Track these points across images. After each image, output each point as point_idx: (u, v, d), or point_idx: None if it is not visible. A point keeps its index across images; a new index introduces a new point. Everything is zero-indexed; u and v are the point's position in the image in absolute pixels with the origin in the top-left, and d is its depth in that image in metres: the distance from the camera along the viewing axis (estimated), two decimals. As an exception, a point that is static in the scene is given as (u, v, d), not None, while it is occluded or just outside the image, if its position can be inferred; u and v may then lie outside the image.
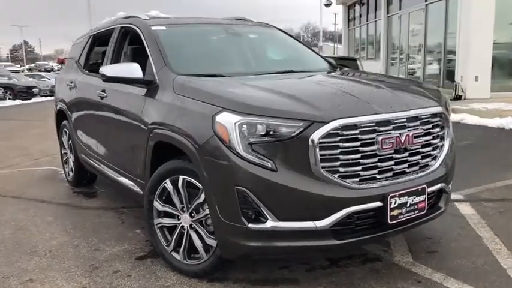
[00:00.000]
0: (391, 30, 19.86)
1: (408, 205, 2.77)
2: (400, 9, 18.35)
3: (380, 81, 3.46)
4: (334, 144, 2.58)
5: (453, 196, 4.49)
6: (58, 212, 4.62)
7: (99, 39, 5.07)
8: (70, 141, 5.38)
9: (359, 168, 2.65)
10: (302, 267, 3.17)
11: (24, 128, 11.55)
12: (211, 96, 2.84)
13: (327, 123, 2.55)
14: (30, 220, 4.37)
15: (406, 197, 2.76)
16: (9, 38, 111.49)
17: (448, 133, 3.15)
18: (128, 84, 3.58)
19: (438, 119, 3.02)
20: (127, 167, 3.84)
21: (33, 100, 22.42)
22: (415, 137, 2.83)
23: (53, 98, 7.07)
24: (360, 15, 24.74)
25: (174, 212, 3.09)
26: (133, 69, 3.46)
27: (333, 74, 3.88)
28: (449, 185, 3.19)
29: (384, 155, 2.72)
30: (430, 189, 2.90)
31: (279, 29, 4.68)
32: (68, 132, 5.44)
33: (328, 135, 2.56)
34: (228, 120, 2.60)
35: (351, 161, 2.63)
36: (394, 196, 2.70)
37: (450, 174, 3.19)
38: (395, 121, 2.76)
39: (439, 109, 3.03)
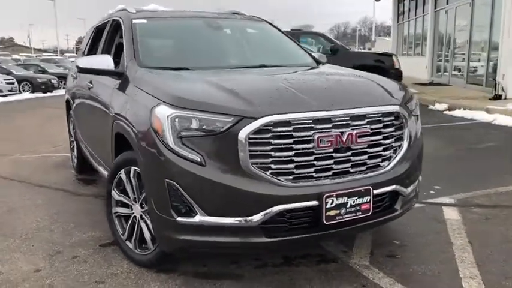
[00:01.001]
0: (438, 25, 19.08)
1: (348, 206, 2.68)
2: (447, 4, 17.58)
3: (340, 78, 3.36)
4: (265, 140, 2.54)
5: (444, 200, 4.34)
6: (51, 197, 4.83)
7: (100, 31, 5.22)
8: (74, 130, 5.60)
9: (292, 166, 2.59)
10: (253, 264, 3.15)
11: (62, 115, 12.07)
12: (155, 89, 2.88)
13: (256, 119, 2.51)
14: (22, 203, 4.60)
15: (346, 198, 2.67)
16: (74, 30, 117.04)
17: (409, 133, 3.01)
18: (99, 75, 3.68)
19: (391, 118, 2.90)
20: (103, 157, 3.95)
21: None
22: (360, 136, 2.73)
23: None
24: (409, 10, 23.93)
25: (128, 202, 3.16)
26: (105, 61, 3.55)
27: (304, 69, 3.79)
28: (409, 188, 3.05)
29: (321, 154, 2.64)
30: (377, 191, 2.79)
31: (269, 23, 4.63)
32: (72, 120, 5.66)
33: (259, 131, 2.52)
34: (162, 113, 2.62)
35: (283, 159, 2.58)
36: (331, 196, 2.62)
37: (410, 176, 3.05)
38: (336, 119, 2.67)
39: (393, 108, 2.90)
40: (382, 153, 2.87)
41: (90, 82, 4.30)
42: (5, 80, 20.51)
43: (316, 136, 2.60)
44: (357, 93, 2.93)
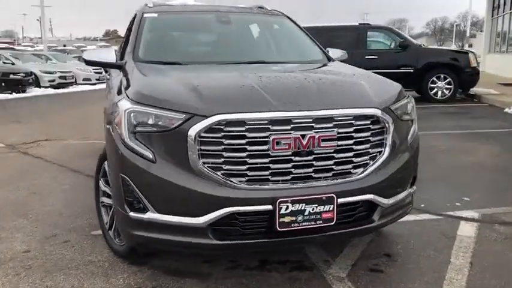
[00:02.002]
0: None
1: (307, 214, 2.52)
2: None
3: (325, 77, 3.15)
4: (217, 140, 2.46)
5: (467, 213, 3.97)
6: (79, 183, 5.08)
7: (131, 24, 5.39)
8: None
9: (245, 167, 2.48)
10: (226, 265, 3.09)
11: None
12: (127, 84, 2.91)
13: (207, 117, 2.44)
14: (49, 187, 4.90)
15: (304, 205, 2.51)
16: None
17: (393, 140, 2.76)
18: (103, 67, 3.79)
19: (366, 122, 2.67)
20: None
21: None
22: (324, 140, 2.55)
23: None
24: (504, 3, 22.05)
25: (110, 192, 3.23)
26: (108, 54, 3.65)
27: (301, 66, 3.62)
28: (392, 198, 2.80)
29: (278, 157, 2.51)
30: (344, 200, 2.59)
31: (289, 18, 4.47)
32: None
33: (211, 130, 2.44)
34: (122, 108, 2.64)
35: (236, 160, 2.48)
36: (285, 201, 2.48)
37: (392, 186, 2.80)
38: (297, 121, 2.51)
39: (368, 111, 2.67)
40: (354, 159, 2.65)
41: (109, 74, 4.46)
42: (94, 69, 21.98)
43: (271, 138, 2.47)
44: (330, 94, 2.74)
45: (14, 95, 16.25)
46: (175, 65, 3.41)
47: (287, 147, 2.49)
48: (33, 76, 17.98)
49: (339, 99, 2.69)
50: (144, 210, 2.58)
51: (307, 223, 2.53)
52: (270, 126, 2.48)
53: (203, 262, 3.12)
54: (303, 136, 2.51)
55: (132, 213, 2.60)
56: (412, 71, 11.94)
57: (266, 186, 2.51)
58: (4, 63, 19.70)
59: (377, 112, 2.68)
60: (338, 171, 2.63)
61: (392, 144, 2.78)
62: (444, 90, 12.04)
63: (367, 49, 12.17)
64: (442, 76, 11.96)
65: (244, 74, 2.99)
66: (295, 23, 4.41)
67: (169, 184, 2.49)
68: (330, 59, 3.97)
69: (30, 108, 12.94)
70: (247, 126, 2.46)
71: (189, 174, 2.48)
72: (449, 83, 11.98)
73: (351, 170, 2.66)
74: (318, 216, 2.54)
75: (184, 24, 4.11)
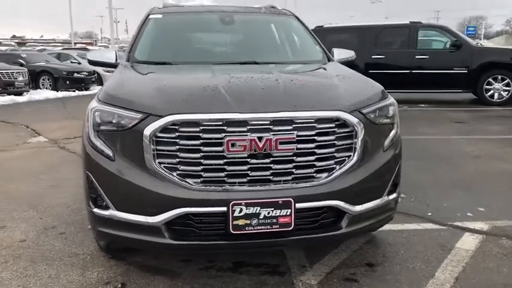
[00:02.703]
0: None
1: (262, 217, 2.47)
2: None
3: (296, 78, 3.06)
4: (171, 140, 2.47)
5: (476, 225, 3.73)
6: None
7: None
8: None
9: (200, 168, 2.48)
10: (201, 265, 3.09)
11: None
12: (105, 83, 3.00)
13: (162, 117, 2.46)
14: (69, 180, 5.14)
15: (259, 208, 2.46)
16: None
17: (365, 144, 2.64)
18: (104, 67, 3.93)
19: (331, 125, 2.56)
20: None
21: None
22: (282, 143, 2.48)
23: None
24: None
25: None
26: (109, 55, 3.80)
27: (288, 67, 3.58)
28: (362, 205, 2.67)
29: (234, 159, 2.47)
30: (303, 205, 2.51)
31: (297, 18, 4.39)
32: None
33: (166, 130, 2.46)
34: (89, 106, 2.73)
35: (191, 160, 2.48)
36: (239, 204, 2.44)
37: (363, 192, 2.68)
38: (253, 122, 2.46)
39: (333, 114, 2.56)
40: (316, 163, 2.56)
41: None
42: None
43: (226, 139, 2.44)
44: (295, 97, 2.66)
45: (77, 93, 17.19)
46: (166, 65, 3.47)
47: (242, 149, 2.45)
48: (96, 75, 18.92)
49: (303, 102, 2.61)
50: (106, 207, 2.64)
51: (263, 227, 2.48)
52: (225, 127, 2.45)
53: (180, 261, 3.15)
54: (260, 138, 2.46)
55: (95, 210, 2.68)
56: (466, 71, 11.32)
57: (220, 188, 2.49)
58: (72, 62, 20.98)
59: (342, 115, 2.57)
60: (299, 175, 2.55)
61: (363, 149, 2.65)
62: (502, 92, 11.31)
63: (417, 49, 11.68)
64: (499, 77, 11.24)
65: (218, 75, 2.97)
66: (302, 23, 4.32)
67: (127, 183, 2.53)
68: (329, 60, 3.85)
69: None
70: (201, 127, 2.45)
71: (145, 174, 2.51)
72: (507, 85, 11.23)
73: (314, 175, 2.57)
74: (274, 221, 2.48)
75: (186, 24, 4.16)
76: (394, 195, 2.91)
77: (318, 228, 2.63)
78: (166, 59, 3.59)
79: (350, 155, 2.63)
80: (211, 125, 2.45)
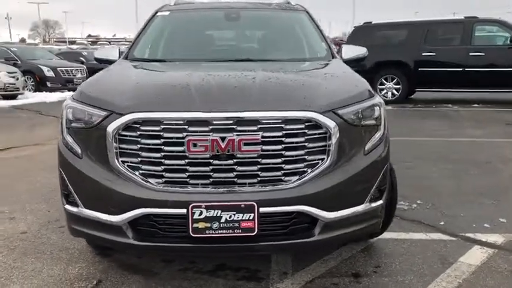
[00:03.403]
0: None
1: (223, 221, 2.36)
2: None
3: (274, 77, 2.88)
4: (134, 139, 2.42)
5: (489, 237, 3.44)
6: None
7: None
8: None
9: (161, 168, 2.41)
10: (180, 266, 3.03)
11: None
12: None
13: (123, 115, 2.41)
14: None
15: (220, 211, 2.36)
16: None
17: (339, 147, 2.46)
18: (108, 64, 3.97)
19: (300, 126, 2.40)
20: None
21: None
22: (247, 144, 2.36)
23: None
24: None
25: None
26: (112, 52, 3.83)
27: (281, 64, 3.37)
28: (337, 212, 2.49)
29: (196, 159, 2.39)
30: (267, 209, 2.38)
31: (308, 14, 4.21)
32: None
33: (128, 128, 2.42)
34: (64, 104, 2.75)
35: (152, 160, 2.42)
36: (199, 206, 2.35)
37: (337, 198, 2.50)
38: (216, 122, 2.36)
39: (302, 114, 2.40)
40: (284, 166, 2.42)
41: None
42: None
43: (187, 139, 2.36)
44: (265, 96, 2.51)
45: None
46: (159, 62, 3.44)
47: (204, 149, 2.36)
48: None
49: (271, 101, 2.46)
50: (76, 204, 2.64)
51: (224, 231, 2.38)
52: (186, 126, 2.37)
53: (162, 261, 3.11)
54: (222, 139, 2.35)
55: (67, 206, 2.69)
56: (525, 70, 10.51)
57: (182, 189, 2.41)
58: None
59: (313, 115, 2.41)
60: (265, 178, 2.42)
61: (339, 152, 2.47)
62: None
63: (472, 45, 10.97)
64: None
65: (196, 73, 2.89)
66: (312, 19, 4.14)
67: (92, 181, 2.52)
68: (333, 57, 3.66)
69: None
70: (163, 126, 2.38)
71: (110, 172, 2.48)
72: None
73: (282, 178, 2.43)
74: (236, 225, 2.37)
75: (191, 22, 4.11)
76: (379, 203, 2.69)
77: (287, 234, 2.49)
78: (163, 56, 3.57)
79: (323, 158, 2.46)
80: (172, 124, 2.38)
